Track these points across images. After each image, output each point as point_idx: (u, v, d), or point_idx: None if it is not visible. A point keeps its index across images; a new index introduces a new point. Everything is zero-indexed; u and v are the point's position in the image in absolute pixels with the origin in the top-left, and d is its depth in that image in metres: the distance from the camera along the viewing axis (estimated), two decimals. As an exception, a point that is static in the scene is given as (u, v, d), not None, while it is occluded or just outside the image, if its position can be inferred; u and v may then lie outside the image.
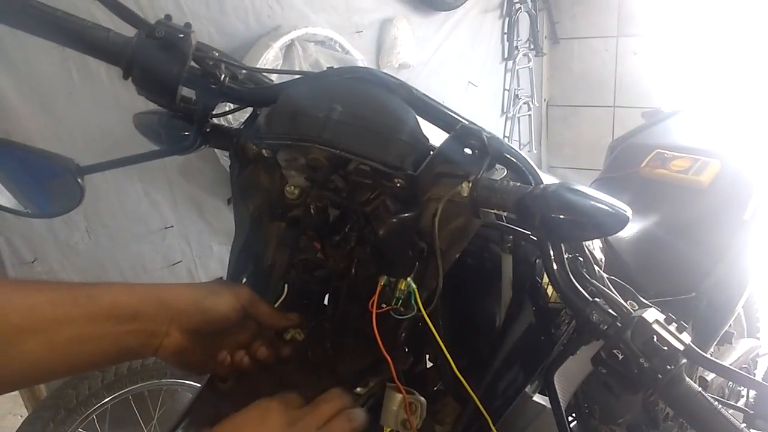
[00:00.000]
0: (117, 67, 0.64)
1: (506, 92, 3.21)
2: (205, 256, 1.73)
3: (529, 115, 3.36)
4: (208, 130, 0.73)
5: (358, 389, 0.68)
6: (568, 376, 0.86)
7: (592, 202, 0.56)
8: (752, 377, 0.66)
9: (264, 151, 0.68)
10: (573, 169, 3.62)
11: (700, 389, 0.58)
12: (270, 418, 0.56)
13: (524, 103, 3.31)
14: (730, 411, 1.44)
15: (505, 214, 0.68)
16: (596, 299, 0.62)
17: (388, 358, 0.62)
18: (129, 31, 0.67)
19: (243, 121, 0.76)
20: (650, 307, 0.62)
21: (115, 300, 0.59)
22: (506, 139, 3.30)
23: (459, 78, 2.83)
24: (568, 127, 3.58)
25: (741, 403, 1.50)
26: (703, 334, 1.23)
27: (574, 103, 3.50)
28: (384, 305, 0.66)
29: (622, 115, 3.29)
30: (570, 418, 1.06)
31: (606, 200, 0.57)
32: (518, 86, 3.26)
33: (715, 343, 1.31)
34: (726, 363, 1.51)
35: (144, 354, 0.62)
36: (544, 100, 3.55)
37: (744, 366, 1.54)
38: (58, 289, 0.57)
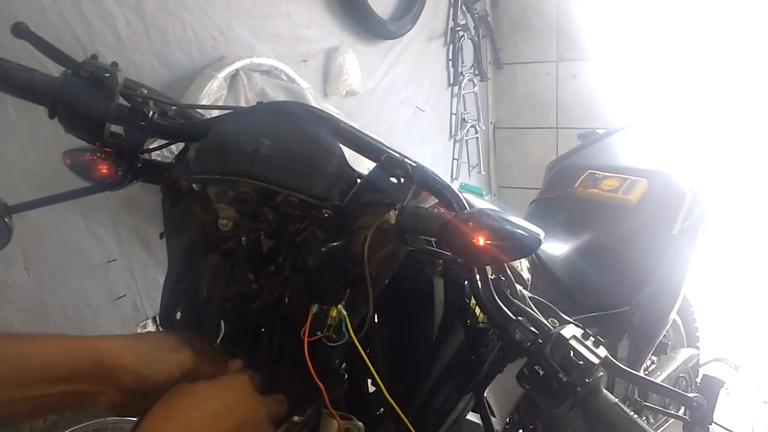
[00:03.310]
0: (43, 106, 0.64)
1: (453, 116, 3.29)
2: (150, 288, 1.70)
3: (477, 137, 3.44)
4: (139, 165, 0.74)
5: (296, 418, 0.69)
6: (505, 393, 0.89)
7: (508, 227, 0.59)
8: (662, 384, 0.70)
9: (194, 185, 0.69)
10: (521, 188, 3.72)
11: (617, 401, 0.61)
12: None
13: (471, 126, 3.39)
14: (670, 420, 1.48)
15: (434, 239, 0.71)
16: (519, 318, 0.65)
17: (320, 385, 0.63)
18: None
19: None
20: (569, 323, 0.65)
21: (49, 360, 0.57)
22: (455, 162, 3.37)
23: (406, 104, 2.89)
24: (514, 148, 3.68)
25: (681, 412, 1.56)
26: (638, 345, 1.28)
27: (519, 125, 3.61)
28: (318, 333, 0.67)
29: (565, 135, 3.42)
30: (516, 435, 1.09)
31: (520, 224, 0.60)
32: (465, 110, 3.34)
33: (650, 353, 1.36)
34: (665, 372, 1.57)
35: (79, 408, 0.61)
36: (491, 122, 3.65)
37: (682, 375, 1.61)
38: None
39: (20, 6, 1.33)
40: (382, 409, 0.79)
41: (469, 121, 3.37)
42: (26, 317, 1.46)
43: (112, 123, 0.66)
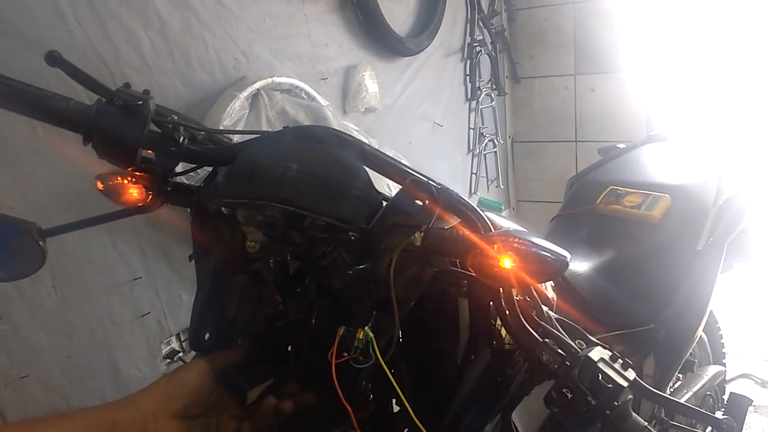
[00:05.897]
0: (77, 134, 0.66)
1: (471, 131, 3.29)
2: (174, 305, 1.72)
3: (495, 151, 3.44)
4: (169, 188, 0.75)
5: (322, 439, 0.70)
6: (532, 414, 0.88)
7: (534, 249, 0.60)
8: (690, 406, 0.69)
9: (223, 209, 0.70)
10: (540, 202, 3.71)
11: (646, 424, 0.61)
12: None
13: (489, 140, 3.39)
14: (698, 439, 1.44)
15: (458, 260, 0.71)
16: (546, 340, 0.65)
17: (348, 407, 0.64)
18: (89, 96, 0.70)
19: (204, 178, 0.79)
20: (597, 345, 0.65)
21: (89, 415, 0.59)
22: (474, 176, 3.36)
23: (425, 119, 2.90)
24: (533, 162, 3.67)
25: (708, 431, 1.53)
26: (664, 363, 1.26)
27: (537, 139, 3.61)
28: (345, 354, 0.67)
29: (584, 149, 3.40)
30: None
31: (547, 246, 0.60)
32: (483, 124, 3.34)
33: (676, 371, 1.34)
34: (692, 390, 1.55)
35: None
36: (509, 136, 3.65)
37: (709, 393, 1.58)
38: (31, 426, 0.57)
39: (48, 30, 1.36)
40: (407, 430, 0.79)
41: (487, 135, 3.37)
42: (53, 336, 1.48)
43: (144, 148, 0.68)
